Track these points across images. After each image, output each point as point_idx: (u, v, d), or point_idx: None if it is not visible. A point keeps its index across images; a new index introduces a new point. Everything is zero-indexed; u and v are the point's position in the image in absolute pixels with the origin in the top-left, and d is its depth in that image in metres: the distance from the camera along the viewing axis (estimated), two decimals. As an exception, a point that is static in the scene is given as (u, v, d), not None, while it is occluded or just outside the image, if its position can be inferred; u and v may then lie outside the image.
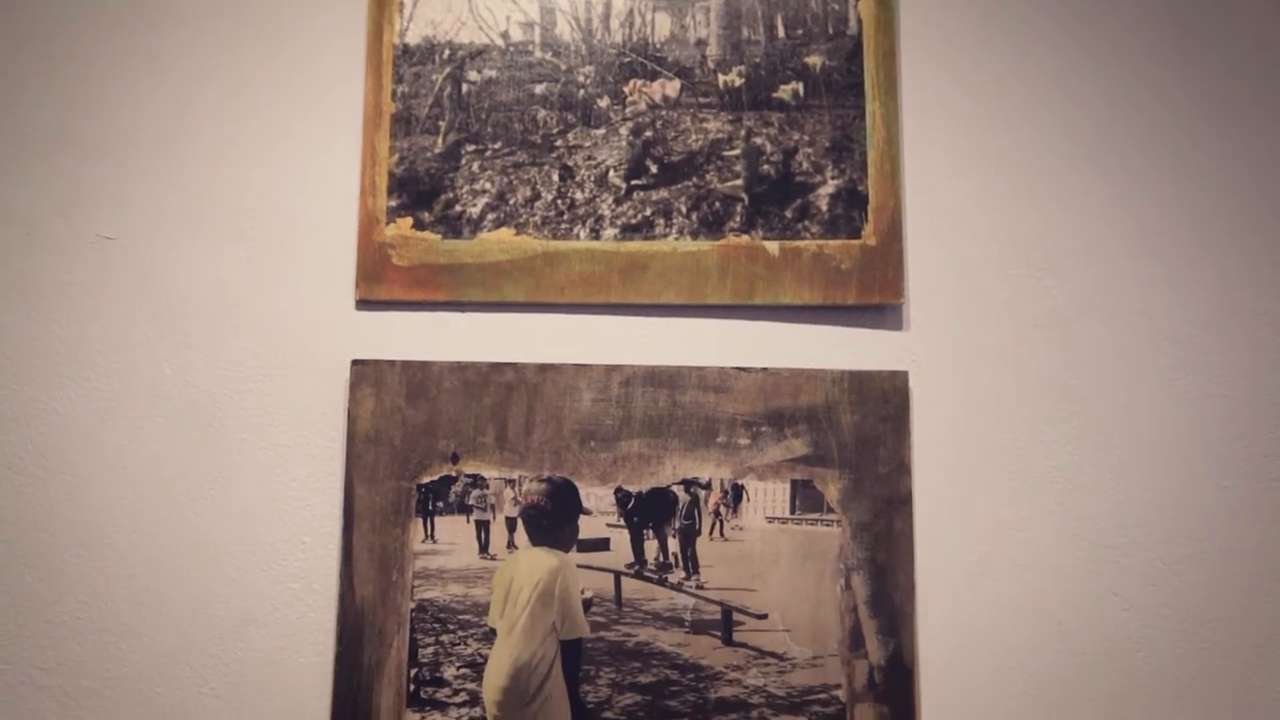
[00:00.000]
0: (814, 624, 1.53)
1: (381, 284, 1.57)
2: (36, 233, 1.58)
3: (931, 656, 1.51)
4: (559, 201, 1.60)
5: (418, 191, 1.60)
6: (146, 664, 1.49)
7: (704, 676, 1.52)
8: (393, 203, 1.59)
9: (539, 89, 1.64)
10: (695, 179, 1.60)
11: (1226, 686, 1.50)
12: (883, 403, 1.56)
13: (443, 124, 1.62)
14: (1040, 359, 1.57)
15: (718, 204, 1.60)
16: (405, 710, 1.49)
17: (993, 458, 1.55)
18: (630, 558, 1.55)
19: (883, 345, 1.57)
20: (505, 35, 1.65)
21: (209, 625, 1.50)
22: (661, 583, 1.55)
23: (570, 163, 1.61)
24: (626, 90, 1.63)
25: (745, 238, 1.58)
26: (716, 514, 1.55)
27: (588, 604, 1.53)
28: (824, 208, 1.59)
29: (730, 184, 1.60)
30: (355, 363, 1.55)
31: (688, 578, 1.55)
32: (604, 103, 1.63)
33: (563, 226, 1.59)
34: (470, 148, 1.61)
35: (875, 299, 1.57)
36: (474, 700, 1.51)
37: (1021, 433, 1.55)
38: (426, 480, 1.54)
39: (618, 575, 1.55)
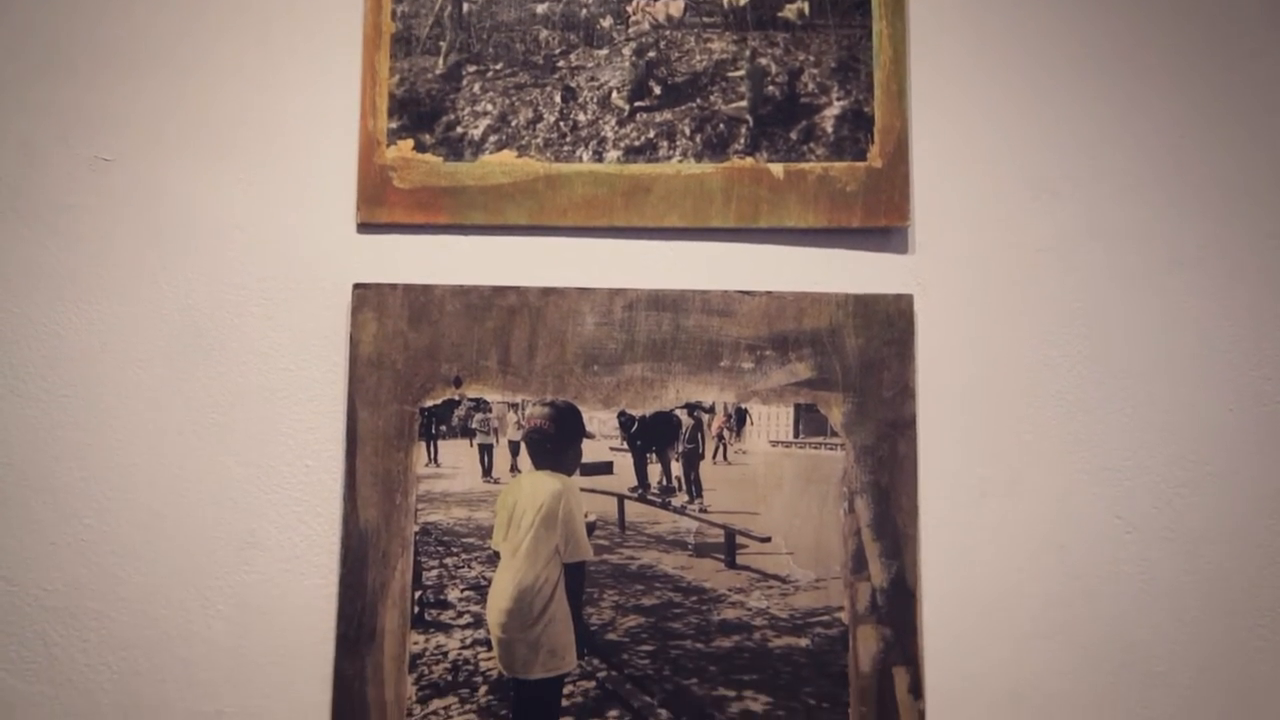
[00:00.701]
0: (817, 547, 1.52)
1: (383, 207, 1.55)
2: (34, 155, 1.55)
3: (934, 579, 1.50)
4: (561, 123, 1.57)
5: (418, 113, 1.57)
6: (150, 585, 1.48)
7: (707, 599, 1.51)
8: (393, 125, 1.56)
9: (541, 8, 1.60)
10: (699, 100, 1.58)
11: (1228, 608, 1.48)
12: (887, 326, 1.54)
13: (443, 44, 1.58)
14: (1045, 282, 1.54)
15: (722, 126, 1.57)
16: (410, 632, 1.49)
17: (997, 381, 1.53)
18: (633, 481, 1.54)
19: (888, 268, 1.55)
20: (506, -45, 1.62)
21: (212, 548, 1.49)
22: (665, 506, 1.54)
23: (573, 84, 1.58)
24: (629, 10, 1.59)
25: (749, 160, 1.56)
26: (720, 438, 1.54)
27: (591, 527, 1.53)
28: (829, 129, 1.56)
29: (734, 105, 1.57)
30: (357, 286, 1.53)
31: (691, 501, 1.54)
32: (607, 23, 1.59)
33: (565, 149, 1.56)
34: (471, 69, 1.58)
35: (880, 222, 1.54)
36: (478, 622, 1.50)
37: (1026, 356, 1.53)
38: (429, 404, 1.53)
39: (621, 499, 1.54)
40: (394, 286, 1.53)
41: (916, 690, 1.47)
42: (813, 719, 1.47)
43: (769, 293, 1.53)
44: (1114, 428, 1.52)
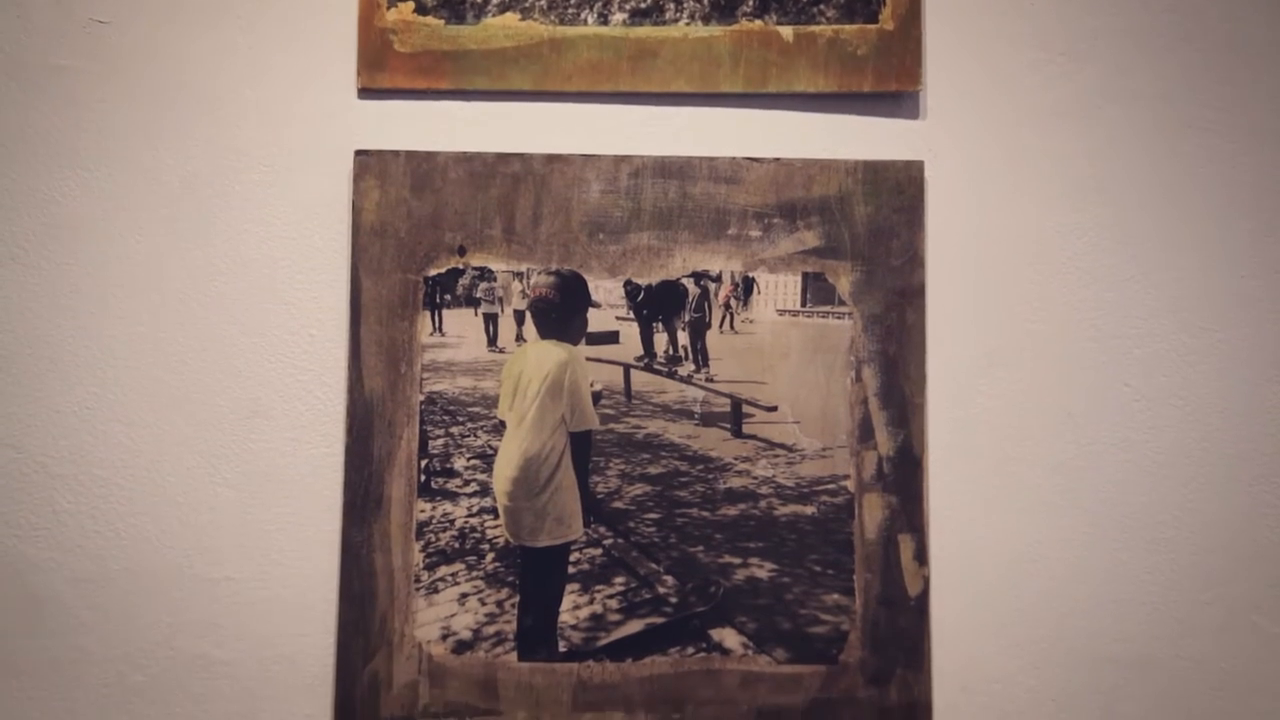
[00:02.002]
0: (823, 416, 1.50)
1: (384, 72, 1.50)
2: (28, 16, 1.48)
3: (940, 447, 1.47)
4: (566, -14, 1.52)
5: (419, -25, 1.52)
6: (157, 454, 1.46)
7: (713, 468, 1.50)
8: (394, -13, 1.51)
9: None
10: (707, -39, 1.52)
11: (1234, 475, 1.45)
12: (897, 193, 1.50)
13: (444, -97, 1.52)
14: (1058, 148, 1.48)
15: (730, -12, 1.51)
16: (416, 500, 1.47)
17: (1007, 248, 1.48)
18: (639, 351, 1.51)
19: (898, 134, 1.50)
20: None
21: (218, 416, 1.47)
22: (671, 375, 1.52)
23: (577, -55, 1.53)
24: None
25: (759, 23, 1.50)
26: (727, 307, 1.51)
27: (597, 396, 1.50)
28: (840, -9, 1.51)
29: (743, -33, 1.52)
30: (359, 153, 1.48)
31: (697, 370, 1.51)
32: (612, -120, 1.53)
33: (569, 11, 1.50)
34: (473, -71, 1.52)
35: (892, 86, 1.49)
36: (484, 491, 1.49)
37: (1037, 223, 1.48)
38: (433, 273, 1.49)
39: (627, 368, 1.51)
40: (396, 153, 1.48)
41: (921, 557, 1.46)
42: (817, 586, 1.46)
43: (777, 159, 1.49)
44: (1125, 295, 1.48)
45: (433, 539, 1.46)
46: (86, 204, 1.47)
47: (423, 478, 1.47)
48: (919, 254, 1.48)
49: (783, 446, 1.48)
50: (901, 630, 1.45)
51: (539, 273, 1.49)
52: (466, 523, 1.47)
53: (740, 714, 1.44)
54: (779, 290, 1.49)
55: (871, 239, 1.48)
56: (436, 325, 1.48)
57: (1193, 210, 1.48)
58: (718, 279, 1.49)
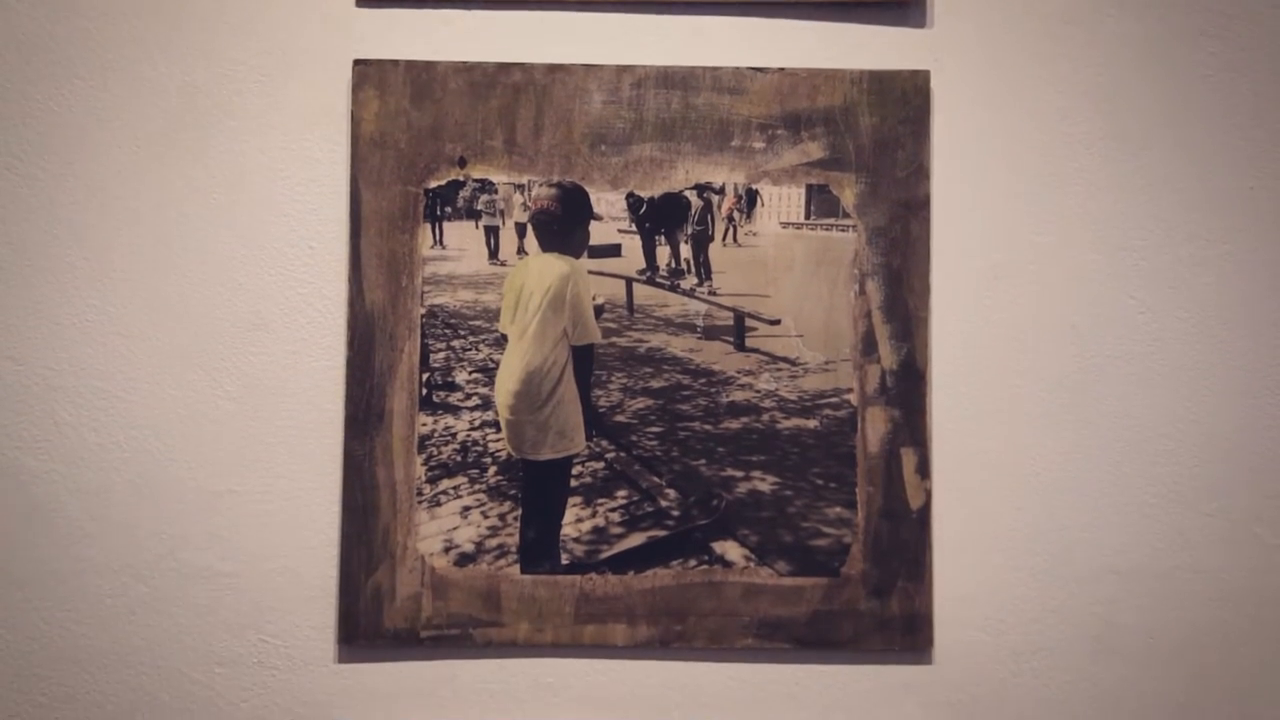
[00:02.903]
0: (826, 329, 1.48)
1: (382, -20, 1.47)
2: (19, -77, 1.46)
3: (944, 361, 1.45)
4: (567, -108, 1.48)
5: (418, -119, 1.48)
6: (158, 366, 1.43)
7: (716, 381, 1.48)
8: (392, -107, 1.47)
9: None
10: None
11: (1240, 388, 1.43)
12: (903, 104, 1.46)
13: None
14: (1067, 56, 1.44)
15: (734, -106, 1.48)
16: (418, 413, 1.46)
17: (1014, 159, 1.44)
18: (642, 264, 1.49)
19: (904, 43, 1.46)
20: None
21: (219, 329, 1.44)
22: (673, 289, 1.50)
23: None
24: None
25: (763, -71, 1.47)
26: (730, 219, 1.49)
27: (599, 310, 1.49)
28: (846, -103, 1.47)
29: (748, -127, 1.48)
30: (357, 63, 1.44)
31: (700, 284, 1.49)
32: None
33: (571, -83, 1.47)
34: None
35: (898, -6, 1.46)
36: (486, 404, 1.47)
37: (1044, 133, 1.44)
38: (434, 185, 1.47)
39: (629, 281, 1.49)
40: (395, 63, 1.45)
41: (923, 470, 1.45)
42: (820, 499, 1.45)
43: (781, 69, 1.46)
44: (1131, 206, 1.45)
45: (434, 452, 1.45)
46: (84, 115, 1.44)
47: (424, 391, 1.45)
48: (924, 165, 1.45)
49: (785, 360, 1.47)
50: (903, 543, 1.44)
51: (540, 185, 1.46)
52: (468, 436, 1.46)
53: (742, 626, 1.43)
54: (782, 203, 1.47)
55: (876, 150, 1.46)
56: (437, 238, 1.46)
57: (1200, 120, 1.45)
58: (721, 191, 1.47)
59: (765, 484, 1.44)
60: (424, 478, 1.44)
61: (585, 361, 1.46)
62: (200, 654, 1.42)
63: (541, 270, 1.46)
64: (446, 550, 1.43)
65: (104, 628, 1.41)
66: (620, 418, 1.46)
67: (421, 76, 1.45)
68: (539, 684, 1.43)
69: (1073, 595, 1.43)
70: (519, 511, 1.44)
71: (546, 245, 1.46)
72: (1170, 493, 1.44)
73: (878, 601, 1.43)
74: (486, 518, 1.44)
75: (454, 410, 1.45)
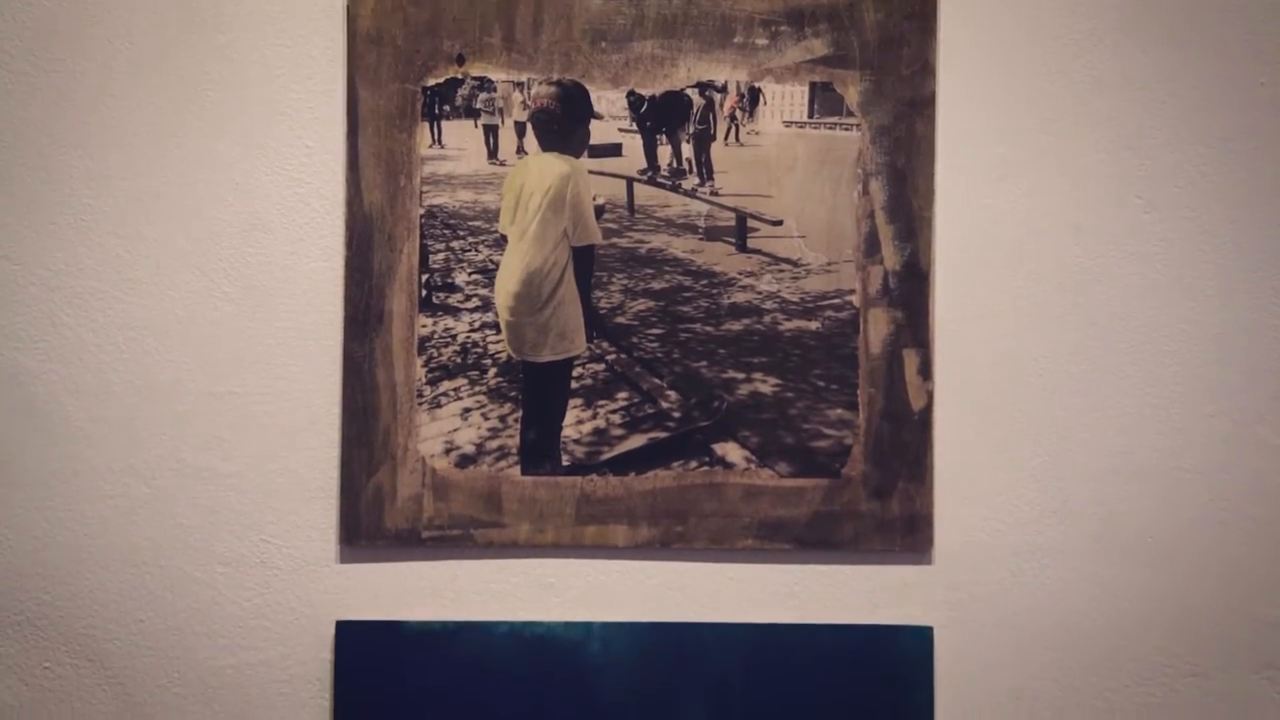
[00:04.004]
0: (829, 230, 1.45)
1: None
2: None
3: (947, 261, 1.41)
4: None
5: None
6: (155, 268, 1.40)
7: (717, 283, 1.46)
8: None
9: None
10: None
11: (1243, 287, 1.40)
12: (908, -1, 1.43)
13: None
14: (1076, -50, 1.43)
15: None
16: (417, 315, 1.43)
17: (1020, 56, 1.40)
18: (643, 163, 1.45)
19: (911, -64, 1.44)
20: None
21: (216, 230, 1.40)
22: (675, 189, 1.47)
23: None
24: None
25: None
26: (732, 118, 1.45)
27: (600, 210, 1.46)
28: None
29: None
30: (353, -43, 1.42)
31: (702, 184, 1.46)
32: None
33: None
34: None
35: (905, -115, 1.42)
36: (486, 306, 1.45)
37: (1051, 29, 1.40)
38: (432, 83, 1.43)
39: (630, 181, 1.46)
40: (392, -44, 1.42)
41: (926, 372, 1.43)
42: (821, 400, 1.44)
43: (785, -37, 1.43)
44: (1138, 104, 1.41)
45: (434, 354, 1.43)
46: (80, 16, 1.40)
47: (424, 292, 1.43)
48: (930, 63, 1.42)
49: (788, 261, 1.45)
50: (904, 444, 1.43)
51: (540, 83, 1.43)
52: (468, 338, 1.44)
53: (742, 527, 1.43)
54: (785, 101, 1.44)
55: (881, 47, 1.42)
56: (436, 137, 1.44)
57: (1210, 15, 1.41)
58: (723, 89, 1.44)
59: (766, 386, 1.43)
60: (424, 379, 1.43)
61: (586, 263, 1.44)
62: (203, 554, 1.41)
63: (541, 170, 1.43)
64: (447, 452, 1.42)
65: (106, 528, 1.41)
66: (621, 319, 1.44)
67: (418, -30, 1.41)
68: (540, 584, 1.42)
69: (1073, 496, 1.42)
70: (519, 413, 1.43)
71: (546, 145, 1.44)
72: (1172, 394, 1.42)
73: (878, 502, 1.42)
74: (487, 419, 1.43)
75: (454, 312, 1.44)
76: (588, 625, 1.40)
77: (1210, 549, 1.41)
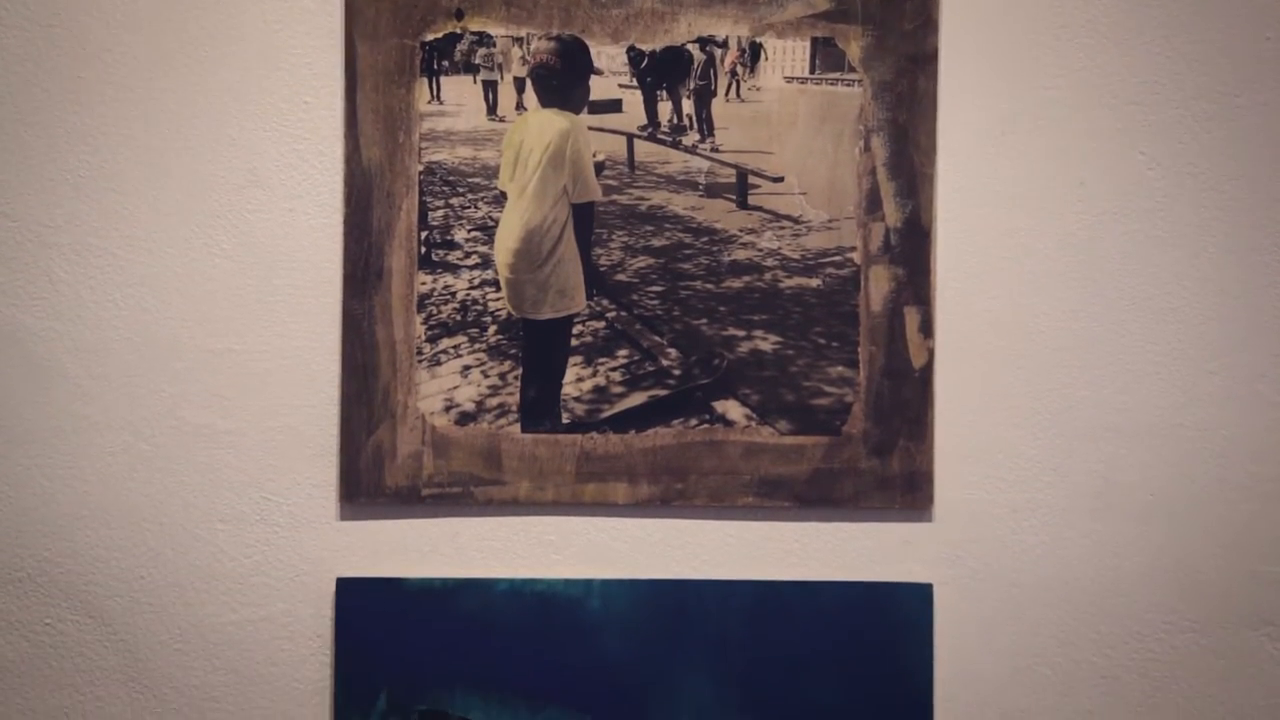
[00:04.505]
0: (830, 186, 1.44)
1: None
2: None
3: (949, 219, 1.40)
4: None
5: None
6: (152, 223, 1.38)
7: (718, 240, 1.45)
8: None
9: None
10: None
11: (1245, 244, 1.39)
12: (911, -48, 1.42)
13: None
14: (1081, -98, 1.40)
15: None
16: (417, 272, 1.42)
17: (1023, 10, 1.38)
18: (643, 120, 1.44)
19: (914, -112, 1.42)
20: None
21: (213, 186, 1.38)
22: (675, 145, 1.46)
23: None
24: None
25: None
26: (733, 74, 1.44)
27: (599, 167, 1.45)
28: None
29: None
30: (350, -91, 1.40)
31: (702, 140, 1.45)
32: None
33: None
34: None
35: None
36: (486, 263, 1.44)
37: None
38: (430, 38, 1.41)
39: (630, 138, 1.44)
40: (390, -91, 1.40)
41: (927, 329, 1.42)
42: (822, 358, 1.43)
43: (787, -84, 1.41)
44: (1142, 58, 1.39)
45: (434, 311, 1.42)
46: (69, -37, 1.39)
47: (423, 250, 1.43)
48: (933, 18, 1.40)
49: (789, 218, 1.44)
50: (905, 402, 1.42)
51: (539, 38, 1.42)
52: (468, 295, 1.43)
53: (743, 484, 1.42)
54: (787, 56, 1.42)
55: (883, 2, 1.40)
56: (434, 93, 1.42)
57: (1218, -31, 1.41)
58: (724, 45, 1.42)
59: (767, 343, 1.42)
60: (423, 337, 1.42)
61: (585, 219, 1.43)
62: (202, 511, 1.41)
63: (541, 126, 1.42)
64: (447, 409, 1.42)
65: (106, 485, 1.40)
66: (621, 277, 1.43)
67: (416, -77, 1.39)
68: (540, 541, 1.42)
69: (1074, 453, 1.41)
70: (519, 371, 1.42)
71: (546, 100, 1.42)
72: (1173, 351, 1.41)
73: (878, 460, 1.42)
74: (487, 377, 1.42)
75: (453, 269, 1.43)
76: (588, 582, 1.40)
77: (1210, 506, 1.41)
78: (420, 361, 1.41)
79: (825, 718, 1.40)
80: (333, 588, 1.40)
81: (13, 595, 1.39)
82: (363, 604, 1.39)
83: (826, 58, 1.41)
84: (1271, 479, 1.40)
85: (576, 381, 1.42)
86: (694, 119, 1.43)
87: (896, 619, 1.40)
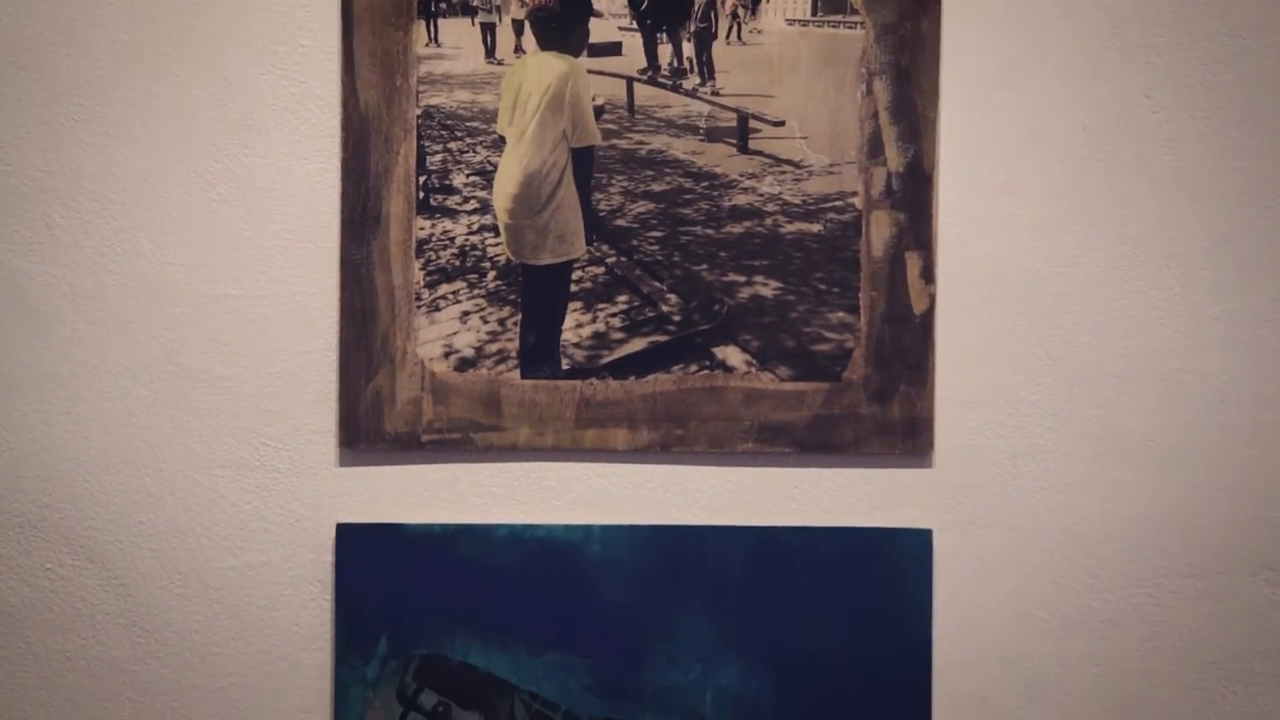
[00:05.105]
0: (832, 131, 1.42)
1: None
2: None
3: (951, 163, 1.37)
4: None
5: None
6: (148, 168, 1.36)
7: (718, 185, 1.43)
8: None
9: None
10: None
11: (1251, 189, 1.38)
12: (915, -109, 1.39)
13: None
14: None
15: None
16: (415, 217, 1.41)
17: None
18: (643, 63, 1.41)
19: None
20: None
21: (209, 130, 1.36)
22: (676, 89, 1.44)
23: None
24: None
25: None
26: (734, 16, 1.42)
27: (599, 110, 1.43)
28: None
29: None
30: None
31: (703, 83, 1.43)
32: None
33: None
34: None
35: None
36: (485, 208, 1.43)
37: None
38: (428, -21, 1.40)
39: (630, 81, 1.42)
40: None
41: (928, 275, 1.41)
42: (822, 304, 1.42)
43: None
44: (1148, 1, 1.39)
45: (433, 257, 1.41)
46: (61, -98, 1.37)
47: (421, 194, 1.41)
48: (936, -42, 1.39)
49: (790, 163, 1.42)
50: (906, 347, 1.41)
51: (538, -21, 1.40)
52: (467, 240, 1.42)
53: (742, 430, 1.42)
54: (788, -2, 1.41)
55: (886, -58, 1.39)
56: (432, 35, 1.40)
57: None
58: (725, -14, 1.41)
59: (767, 289, 1.41)
60: (422, 282, 1.41)
61: (585, 164, 1.42)
62: (201, 456, 1.40)
63: (540, 69, 1.40)
64: (446, 355, 1.41)
65: (105, 430, 1.40)
66: (621, 222, 1.42)
67: None
68: (540, 487, 1.42)
69: (1074, 399, 1.41)
70: (519, 316, 1.41)
71: (545, 43, 1.40)
72: (1176, 296, 1.40)
73: (879, 406, 1.41)
74: (486, 323, 1.41)
75: (452, 214, 1.41)
76: (588, 528, 1.40)
77: (1211, 452, 1.40)
78: (419, 307, 1.40)
79: (825, 663, 1.40)
80: (332, 533, 1.40)
81: (12, 540, 1.39)
82: (363, 550, 1.39)
83: (828, -1, 1.39)
84: (1272, 424, 1.40)
85: (576, 327, 1.41)
86: (694, 62, 1.41)
87: (896, 564, 1.40)
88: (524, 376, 1.40)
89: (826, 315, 1.40)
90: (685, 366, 1.40)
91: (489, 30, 1.39)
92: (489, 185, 1.40)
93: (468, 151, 1.41)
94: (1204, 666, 1.41)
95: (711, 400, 1.41)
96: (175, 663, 1.40)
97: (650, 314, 1.41)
